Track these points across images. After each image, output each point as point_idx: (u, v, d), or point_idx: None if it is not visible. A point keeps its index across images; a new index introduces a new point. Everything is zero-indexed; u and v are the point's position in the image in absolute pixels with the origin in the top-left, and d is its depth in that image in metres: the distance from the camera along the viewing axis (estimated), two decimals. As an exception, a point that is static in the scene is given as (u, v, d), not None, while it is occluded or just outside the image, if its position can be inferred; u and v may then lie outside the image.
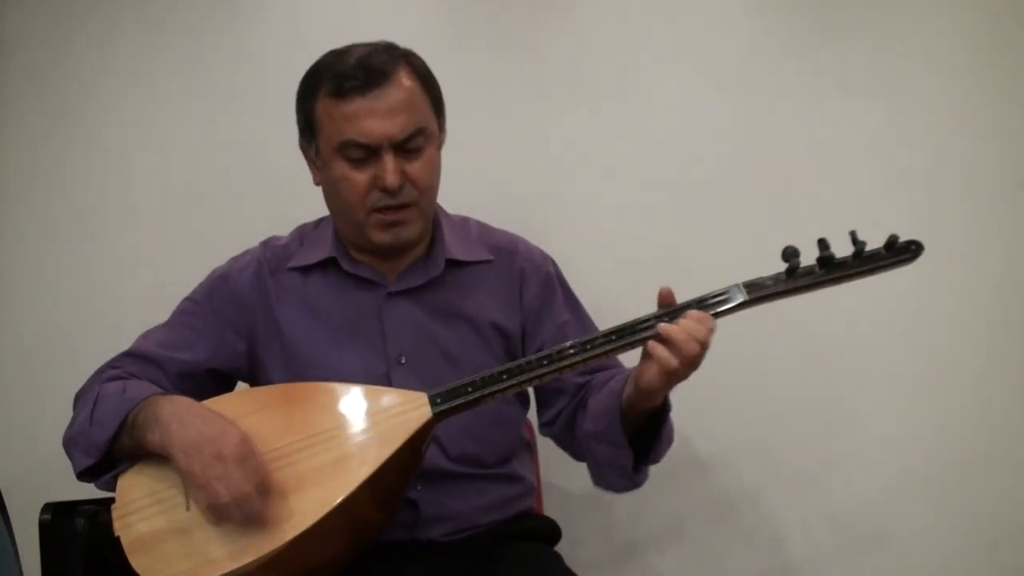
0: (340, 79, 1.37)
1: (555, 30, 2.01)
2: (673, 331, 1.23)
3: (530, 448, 1.62)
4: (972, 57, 1.93)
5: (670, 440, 1.41)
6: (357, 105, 1.36)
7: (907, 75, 1.94)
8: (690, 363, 1.23)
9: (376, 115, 1.35)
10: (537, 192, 1.99)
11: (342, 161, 1.39)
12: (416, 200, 1.40)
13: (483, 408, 1.42)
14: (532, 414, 1.60)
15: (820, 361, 1.94)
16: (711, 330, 1.24)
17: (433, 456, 1.42)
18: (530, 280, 1.53)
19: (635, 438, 1.36)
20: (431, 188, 1.43)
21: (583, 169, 1.99)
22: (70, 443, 1.37)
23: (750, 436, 1.94)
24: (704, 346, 1.23)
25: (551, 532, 1.56)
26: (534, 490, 1.58)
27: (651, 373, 1.25)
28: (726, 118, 1.97)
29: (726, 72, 1.97)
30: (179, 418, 1.27)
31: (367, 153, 1.37)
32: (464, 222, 1.57)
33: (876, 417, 1.92)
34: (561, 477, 1.94)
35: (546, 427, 1.56)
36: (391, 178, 1.36)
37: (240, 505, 1.21)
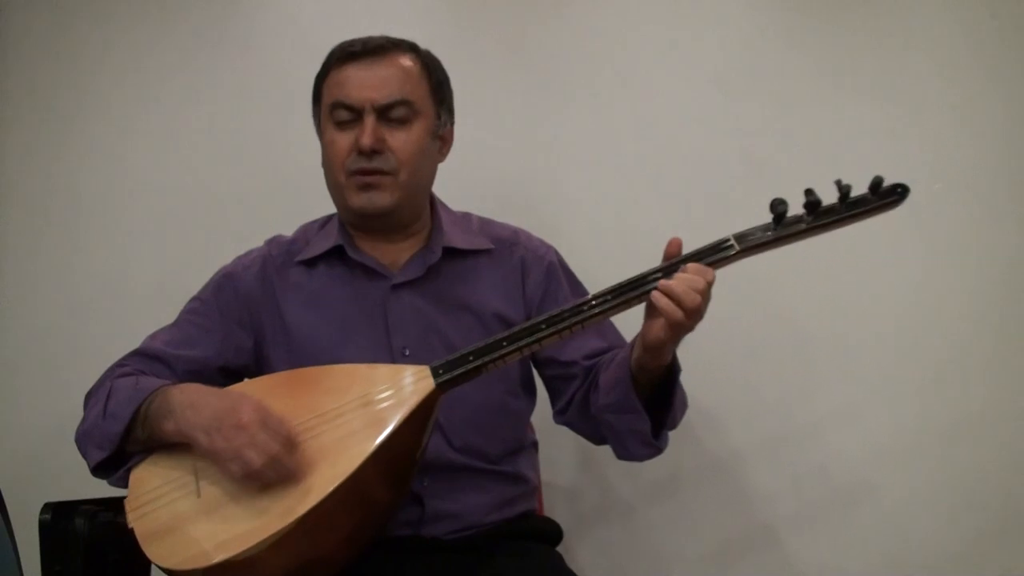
0: (342, 51, 1.45)
1: (555, 28, 2.03)
2: (673, 285, 1.23)
3: (536, 448, 1.62)
4: (974, 56, 1.95)
5: (684, 404, 1.42)
6: (348, 71, 1.43)
7: (908, 74, 1.95)
8: (693, 314, 1.23)
9: (363, 80, 1.42)
10: (537, 191, 2.00)
11: (331, 125, 1.44)
12: (394, 170, 1.43)
13: (488, 399, 1.44)
14: (537, 414, 1.60)
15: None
16: (710, 282, 1.25)
17: (438, 447, 1.42)
18: (532, 269, 1.54)
19: (651, 405, 1.37)
20: (412, 163, 1.44)
21: (584, 167, 2.00)
22: (84, 438, 1.37)
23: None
24: (705, 296, 1.24)
25: (553, 532, 1.56)
26: (536, 491, 1.58)
27: (657, 328, 1.25)
28: (726, 116, 1.98)
29: (726, 70, 1.99)
30: (191, 403, 1.28)
31: (352, 115, 1.43)
32: (466, 216, 1.60)
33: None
34: (562, 477, 1.94)
35: (560, 415, 1.55)
36: (366, 138, 1.40)
37: (273, 465, 1.21)
